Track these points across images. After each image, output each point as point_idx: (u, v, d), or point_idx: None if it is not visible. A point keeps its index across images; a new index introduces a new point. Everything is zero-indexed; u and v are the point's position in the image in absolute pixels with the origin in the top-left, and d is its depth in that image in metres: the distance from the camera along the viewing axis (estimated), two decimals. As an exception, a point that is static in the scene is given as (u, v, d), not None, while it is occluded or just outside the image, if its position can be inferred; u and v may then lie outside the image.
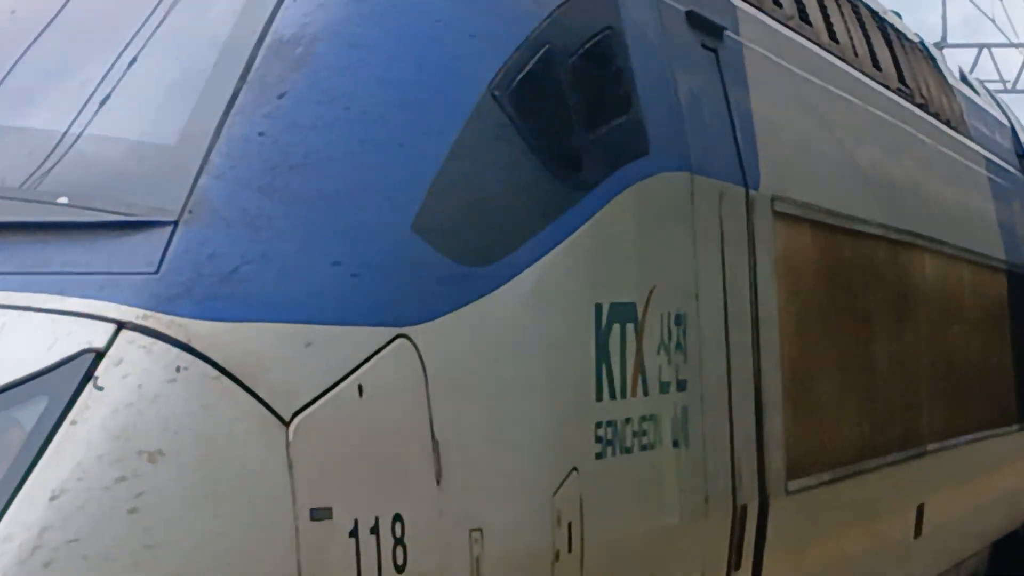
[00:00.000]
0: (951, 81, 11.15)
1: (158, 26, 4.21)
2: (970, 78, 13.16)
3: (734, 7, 6.37)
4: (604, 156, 4.88)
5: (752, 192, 6.10)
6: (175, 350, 3.56)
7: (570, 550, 4.42)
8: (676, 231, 5.34)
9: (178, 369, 3.54)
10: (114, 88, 4.07)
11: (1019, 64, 33.92)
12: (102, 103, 4.06)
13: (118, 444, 3.41)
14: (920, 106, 9.55)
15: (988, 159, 11.42)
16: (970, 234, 10.17)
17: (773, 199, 6.34)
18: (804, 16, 7.45)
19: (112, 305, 3.57)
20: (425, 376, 3.97)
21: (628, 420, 4.82)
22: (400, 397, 3.92)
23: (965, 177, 10.53)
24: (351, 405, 3.78)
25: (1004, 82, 30.17)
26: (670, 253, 5.29)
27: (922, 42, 10.67)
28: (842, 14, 8.32)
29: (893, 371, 7.96)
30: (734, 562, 5.64)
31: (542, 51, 4.64)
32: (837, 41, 7.98)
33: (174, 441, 3.48)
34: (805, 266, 6.80)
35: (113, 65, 4.13)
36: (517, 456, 4.30)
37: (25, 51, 4.25)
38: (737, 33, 6.28)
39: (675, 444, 5.14)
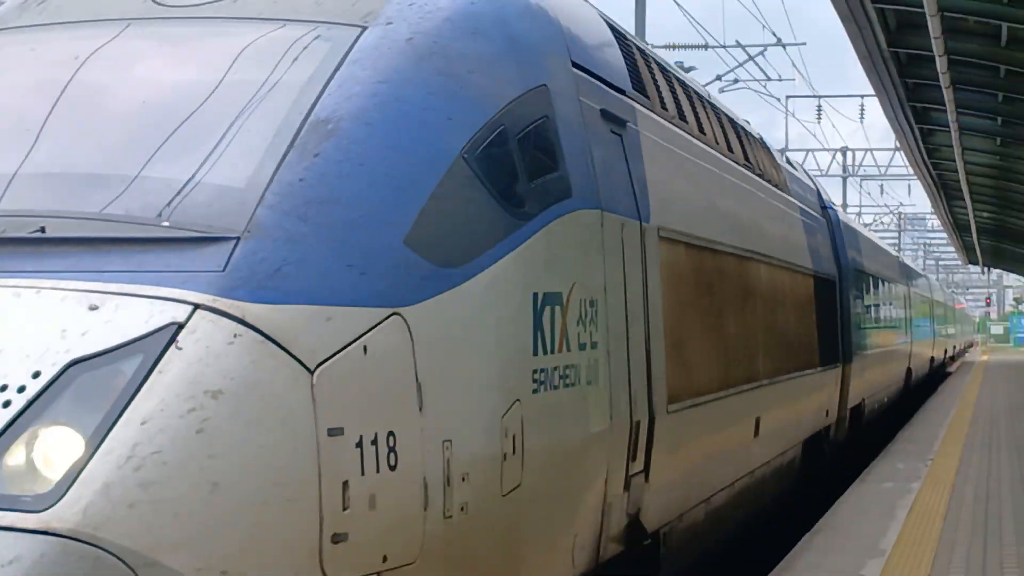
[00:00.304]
0: (779, 162, 16.66)
1: (240, 107, 6.15)
2: (793, 161, 19.99)
3: (634, 109, 9.07)
4: (540, 198, 7.06)
5: (644, 224, 8.65)
6: (234, 323, 5.15)
7: (514, 452, 6.40)
8: (590, 247, 7.63)
9: (235, 336, 5.13)
10: (210, 152, 5.91)
11: (829, 159, 57.26)
12: (200, 160, 5.87)
13: (190, 386, 4.95)
14: (758, 175, 13.90)
15: (801, 208, 17.01)
16: (790, 252, 15.08)
17: (659, 228, 9.00)
18: (682, 116, 10.77)
19: (191, 292, 5.17)
20: (412, 340, 5.74)
21: (556, 368, 6.99)
22: (394, 354, 5.64)
23: (786, 218, 15.46)
24: (358, 360, 5.46)
25: (820, 170, 56.23)
26: (586, 261, 7.54)
27: (762, 139, 15.66)
28: (708, 116, 12.01)
29: (740, 337, 11.68)
30: (631, 457, 8.16)
31: (498, 130, 6.79)
32: (704, 133, 11.53)
33: (231, 384, 5.03)
34: (681, 270, 9.69)
35: (209, 135, 6.02)
36: (476, 393, 6.19)
37: (142, 124, 6.19)
38: (636, 125, 8.99)
39: (589, 383, 7.44)
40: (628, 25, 23.01)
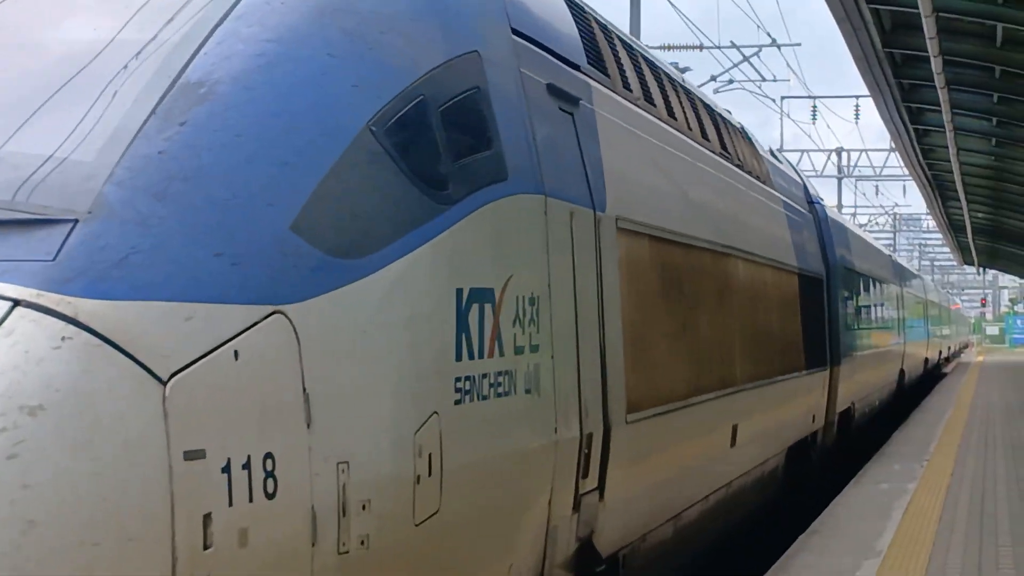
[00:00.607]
0: (762, 153, 15.84)
1: (103, 71, 5.26)
2: (777, 153, 18.81)
3: (589, 86, 8.33)
4: (467, 180, 6.22)
5: (599, 213, 7.92)
6: (61, 322, 4.23)
7: (430, 474, 5.58)
8: (531, 237, 6.88)
9: (63, 338, 4.21)
10: (63, 122, 4.99)
11: (824, 159, 57.23)
12: (49, 132, 4.96)
13: (1, 401, 4.03)
14: (737, 165, 13.14)
15: (785, 202, 16.15)
16: (772, 249, 14.22)
17: (618, 219, 8.28)
18: (649, 99, 10.00)
19: (10, 286, 4.28)
20: (298, 343, 4.89)
21: (485, 375, 6.17)
22: (274, 360, 4.79)
23: (768, 212, 14.61)
24: (227, 367, 4.57)
25: (815, 171, 56.22)
26: (525, 253, 6.78)
27: (743, 129, 14.90)
28: (680, 101, 11.24)
29: (715, 339, 10.92)
30: (582, 473, 7.42)
31: (415, 100, 5.94)
32: (675, 118, 10.73)
33: (55, 397, 4.11)
34: (645, 265, 8.95)
35: (66, 102, 5.12)
36: (382, 405, 5.34)
37: None
38: (591, 103, 8.25)
39: (528, 391, 6.65)
40: (623, 25, 23.03)
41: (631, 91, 9.50)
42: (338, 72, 5.67)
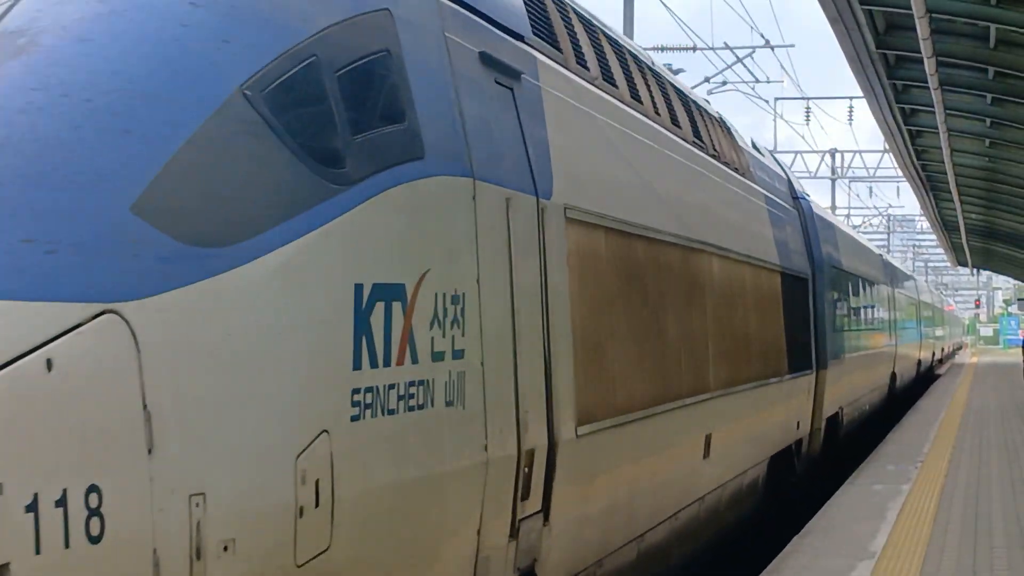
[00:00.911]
0: (742, 145, 15.00)
1: None
2: (759, 146, 17.78)
3: (535, 60, 7.49)
4: (369, 157, 5.31)
5: (544, 200, 7.15)
6: None
7: (317, 505, 4.70)
8: (455, 225, 6.02)
9: None
10: None
11: (818, 160, 57.72)
12: None
13: None
14: (713, 156, 12.40)
15: (767, 196, 15.31)
16: (751, 245, 13.43)
17: (567, 208, 7.51)
18: (610, 79, 9.21)
19: None
20: (138, 350, 4.00)
21: (393, 386, 5.31)
22: (102, 371, 3.90)
23: (747, 207, 13.74)
24: (36, 379, 3.71)
25: (809, 172, 55.66)
26: (448, 243, 5.92)
27: (721, 118, 14.19)
28: (647, 84, 10.44)
29: (684, 342, 10.13)
30: (522, 494, 6.62)
31: (305, 62, 5.04)
32: (640, 102, 9.92)
33: None
34: (601, 260, 8.13)
35: None
36: (252, 423, 4.43)
37: None
38: (537, 79, 7.44)
39: (450, 403, 5.81)
40: (616, 26, 23.00)
41: (588, 69, 8.68)
42: (204, 25, 4.72)
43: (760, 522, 14.87)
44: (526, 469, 6.64)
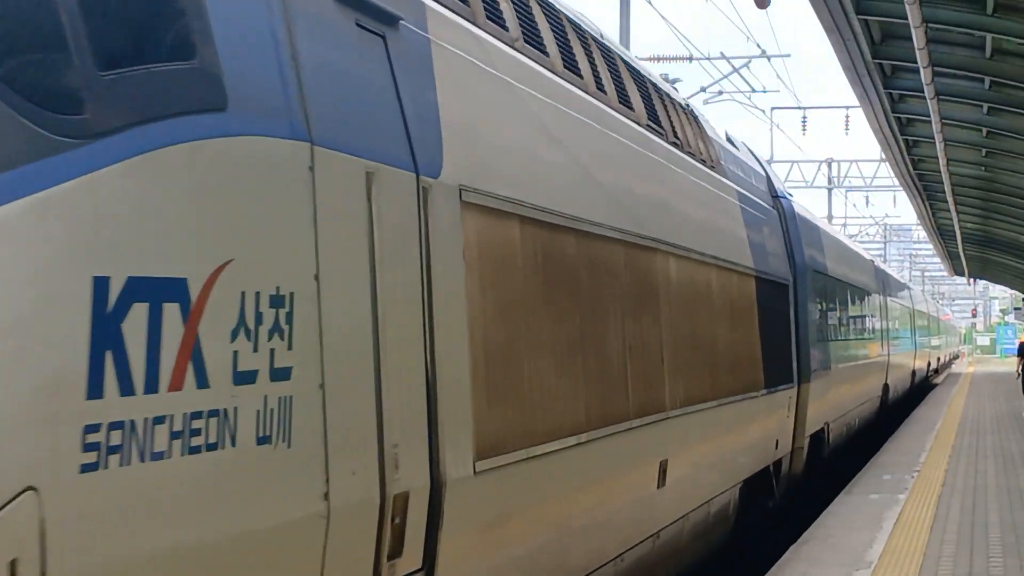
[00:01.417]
0: (711, 135, 13.61)
1: None
2: (734, 138, 16.59)
3: (423, 6, 6.14)
4: (129, 101, 3.98)
5: (427, 178, 5.76)
6: None
7: None
8: (278, 203, 4.65)
9: None
10: None
11: (814, 170, 57.96)
12: None
13: None
14: (673, 143, 11.14)
15: (740, 193, 13.92)
16: (719, 245, 12.07)
17: (462, 189, 6.13)
18: (536, 43, 7.88)
19: None
20: None
21: (162, 419, 3.96)
22: None
23: (714, 203, 12.39)
24: None
25: (805, 181, 56.73)
26: (264, 227, 4.56)
27: (687, 104, 13.05)
28: (589, 56, 9.15)
29: (632, 354, 8.85)
30: (390, 551, 5.29)
31: None
32: (579, 75, 8.69)
33: None
34: (514, 257, 6.77)
35: None
36: None
37: None
38: (424, 30, 6.10)
39: (264, 440, 4.43)
40: (612, 35, 23.03)
41: (505, 28, 7.37)
42: None
43: (736, 550, 13.98)
44: (397, 519, 5.32)
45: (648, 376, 9.23)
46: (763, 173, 16.86)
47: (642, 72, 11.08)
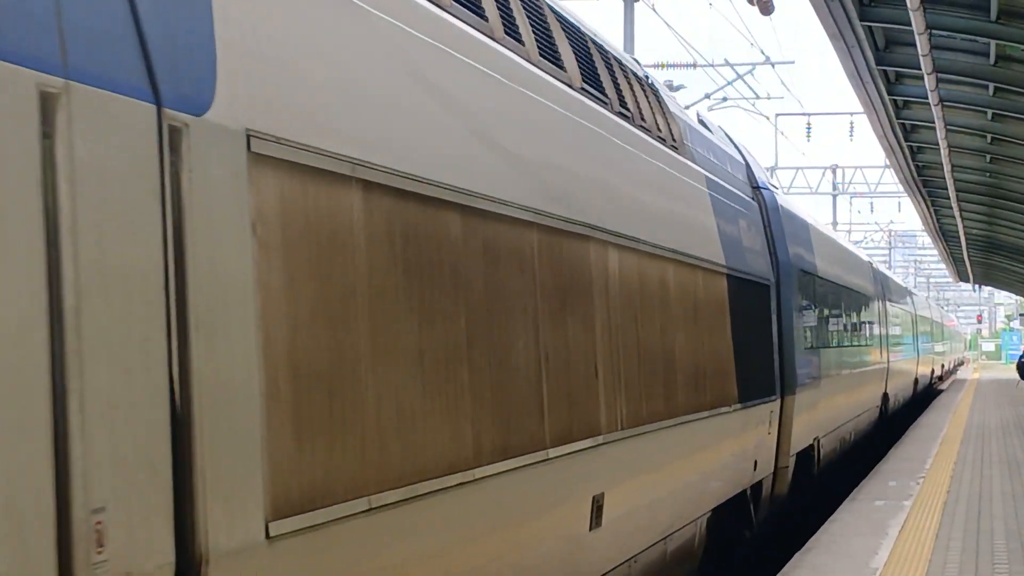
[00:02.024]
0: (675, 111, 12.00)
1: None
2: (709, 122, 15.05)
3: None
4: None
5: (181, 114, 4.08)
6: None
7: None
8: None
9: None
10: None
11: (819, 176, 57.24)
12: None
13: None
14: (622, 115, 9.54)
15: (711, 180, 12.25)
16: (680, 238, 10.43)
17: (252, 135, 4.45)
18: None
19: None
20: None
21: None
22: None
23: (677, 187, 10.75)
24: None
25: (810, 188, 55.84)
26: None
27: (648, 77, 11.49)
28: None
29: (552, 367, 7.13)
30: None
31: None
32: (482, 16, 6.96)
33: None
34: (349, 235, 5.05)
35: None
36: None
37: None
38: None
39: None
40: (616, 42, 23.01)
41: None
42: None
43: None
44: None
45: (574, 393, 7.55)
46: (742, 161, 15.19)
47: (582, 28, 9.28)
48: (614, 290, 8.51)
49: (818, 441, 17.42)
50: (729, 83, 35.97)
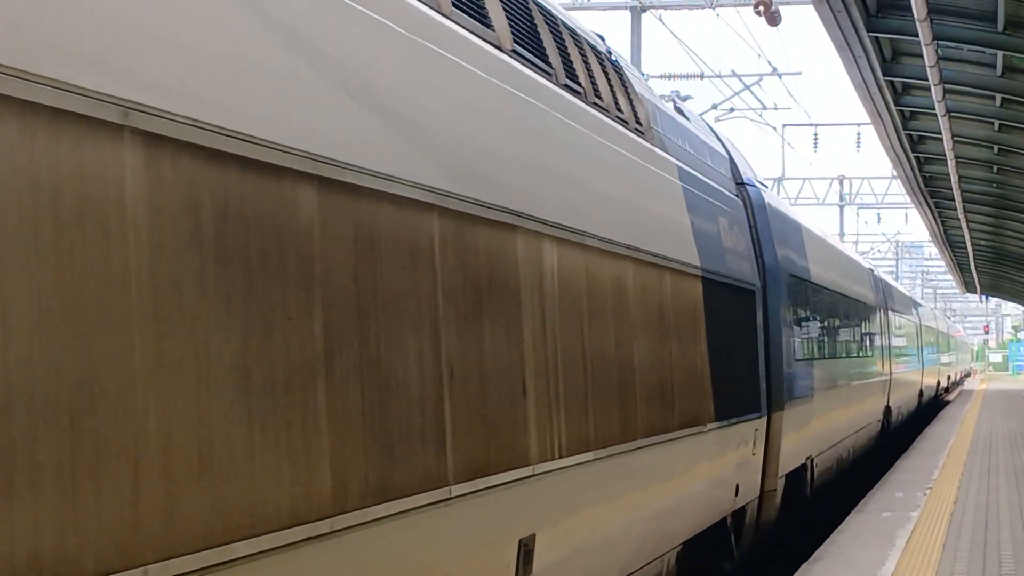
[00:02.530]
0: (642, 93, 10.55)
1: None
2: (686, 109, 13.54)
3: None
4: None
5: None
6: None
7: None
8: None
9: None
10: None
11: (826, 187, 59.20)
12: None
13: None
14: (570, 89, 8.20)
15: (684, 171, 10.92)
16: (642, 232, 9.02)
17: None
18: None
19: None
20: None
21: None
22: None
23: (640, 176, 9.34)
24: None
25: (817, 199, 57.58)
26: None
27: (612, 53, 10.07)
28: None
29: (458, 384, 5.87)
30: None
31: None
32: None
33: None
34: (89, 208, 3.63)
35: None
36: None
37: None
38: None
39: None
40: (624, 53, 22.99)
41: None
42: None
43: None
44: None
45: (492, 416, 6.24)
46: (725, 154, 13.74)
47: None
48: (551, 291, 7.16)
49: (812, 460, 16.18)
50: (736, 94, 35.99)
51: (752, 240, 13.57)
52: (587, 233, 7.90)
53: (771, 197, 15.50)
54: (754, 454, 12.55)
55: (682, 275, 10.10)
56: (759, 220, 13.96)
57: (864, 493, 19.54)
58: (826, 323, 18.64)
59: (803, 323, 16.13)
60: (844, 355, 20.54)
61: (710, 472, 10.71)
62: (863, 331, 23.85)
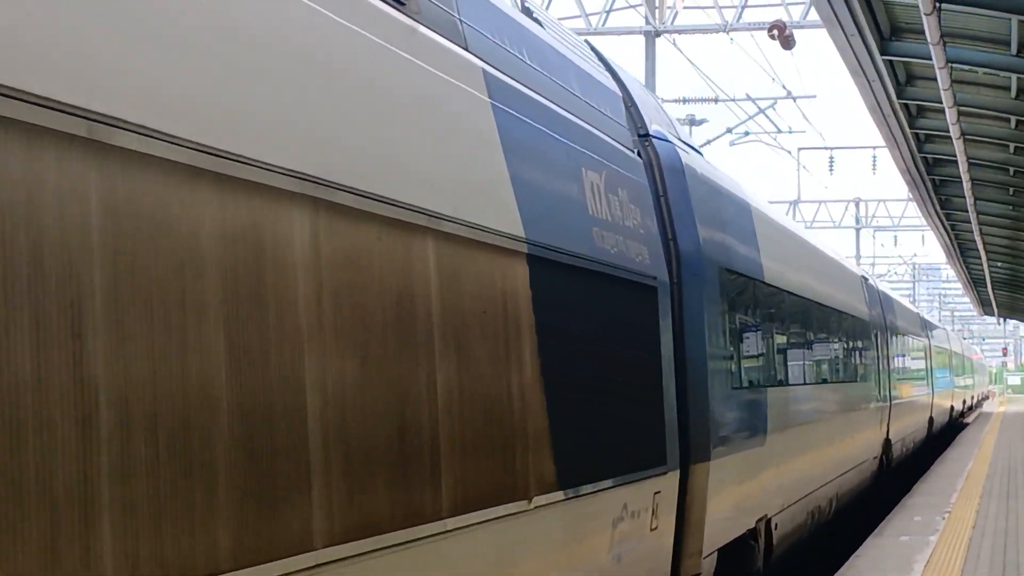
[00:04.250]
0: None
1: None
2: (545, 17, 8.78)
3: None
4: None
5: None
6: None
7: None
8: None
9: None
10: None
11: (842, 210, 58.18)
12: None
13: None
14: None
15: (504, 85, 6.94)
16: (384, 170, 5.26)
17: None
18: None
19: None
20: None
21: None
22: None
23: (384, 76, 5.47)
24: None
25: (833, 221, 56.52)
26: None
27: None
28: None
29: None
30: None
31: None
32: None
33: None
34: None
35: None
36: None
37: None
38: None
39: None
40: (639, 77, 22.97)
41: None
42: None
43: None
44: None
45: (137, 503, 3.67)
46: (615, 91, 9.61)
47: None
48: (217, 278, 4.12)
49: (768, 522, 12.34)
50: (751, 117, 36.01)
51: (659, 215, 9.62)
52: (246, 159, 4.31)
53: (700, 162, 11.22)
54: (654, 528, 8.67)
55: (481, 250, 6.21)
56: (671, 189, 9.88)
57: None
58: (790, 338, 14.40)
59: (749, 337, 11.97)
60: (819, 380, 16.32)
61: (560, 563, 7.01)
62: (850, 350, 19.39)
